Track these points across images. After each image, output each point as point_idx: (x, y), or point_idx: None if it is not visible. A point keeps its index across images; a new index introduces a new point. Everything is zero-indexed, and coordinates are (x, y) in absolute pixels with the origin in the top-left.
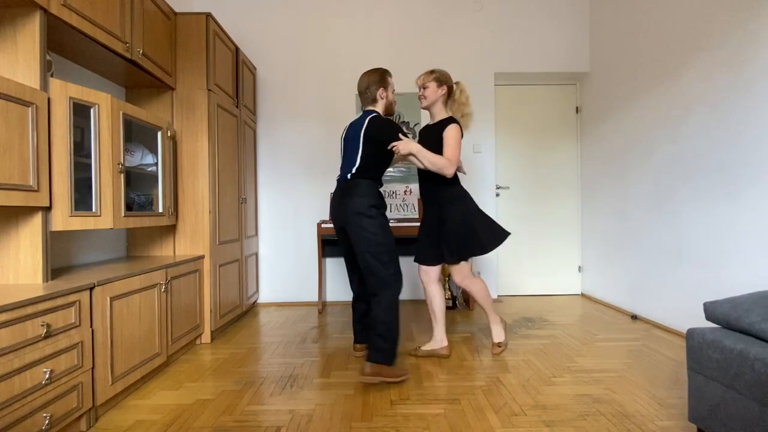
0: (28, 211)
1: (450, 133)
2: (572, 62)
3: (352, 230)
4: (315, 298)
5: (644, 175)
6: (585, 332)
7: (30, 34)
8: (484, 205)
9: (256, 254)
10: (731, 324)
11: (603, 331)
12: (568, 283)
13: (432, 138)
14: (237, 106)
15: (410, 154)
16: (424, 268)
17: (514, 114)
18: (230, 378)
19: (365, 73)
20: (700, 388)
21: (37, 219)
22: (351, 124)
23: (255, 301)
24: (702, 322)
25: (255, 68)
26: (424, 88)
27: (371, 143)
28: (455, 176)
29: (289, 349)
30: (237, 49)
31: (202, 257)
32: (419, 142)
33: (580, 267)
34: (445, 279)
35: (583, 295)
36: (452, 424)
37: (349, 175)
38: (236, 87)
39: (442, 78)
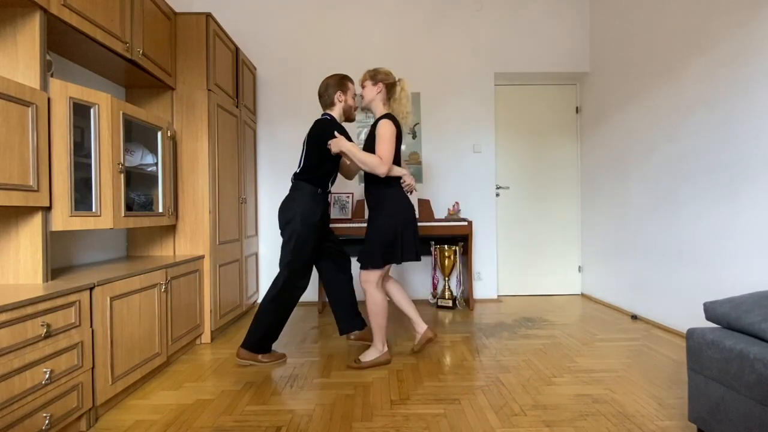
0: (28, 211)
1: (381, 130)
2: (572, 62)
3: (279, 224)
4: (315, 298)
5: (644, 175)
6: (585, 332)
7: (30, 34)
8: (484, 205)
9: (256, 254)
10: (731, 324)
11: (603, 331)
12: (568, 283)
13: (369, 137)
14: (237, 106)
15: (341, 152)
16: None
17: (514, 114)
18: (230, 378)
19: (325, 78)
20: (700, 388)
21: (37, 219)
22: None
23: (255, 301)
24: (702, 322)
25: (255, 68)
26: (363, 88)
27: (310, 144)
28: (392, 177)
29: (289, 349)
30: (237, 49)
31: (202, 257)
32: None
33: (580, 267)
34: (446, 279)
35: (583, 295)
36: (452, 424)
37: (294, 175)
38: (236, 87)
39: (377, 76)
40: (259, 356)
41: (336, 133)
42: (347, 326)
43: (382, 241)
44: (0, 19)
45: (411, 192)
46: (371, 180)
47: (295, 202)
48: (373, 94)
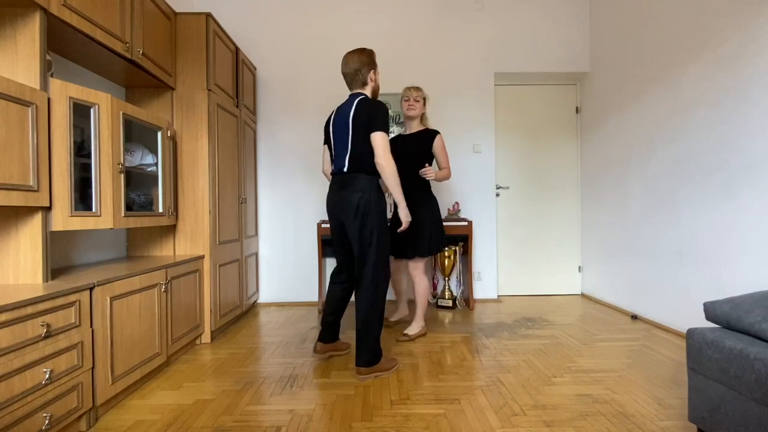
0: (28, 211)
1: (442, 142)
2: (572, 62)
3: (350, 226)
4: (315, 298)
5: (644, 175)
6: (585, 332)
7: (30, 34)
8: (484, 205)
9: (256, 254)
10: (731, 324)
11: (603, 331)
12: (568, 283)
13: (414, 147)
14: (237, 106)
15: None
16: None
17: (514, 114)
18: (230, 378)
19: (354, 54)
20: (700, 388)
21: (37, 219)
22: (338, 110)
23: (255, 301)
24: (702, 322)
25: (255, 68)
26: (416, 101)
27: (361, 129)
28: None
29: (289, 349)
30: (237, 49)
31: (202, 257)
32: (395, 150)
33: (580, 267)
34: (446, 279)
35: (583, 295)
36: (452, 424)
37: (345, 168)
38: (236, 87)
39: (426, 98)
40: (380, 364)
41: (427, 165)
42: (335, 336)
43: (437, 231)
44: (0, 19)
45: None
46: (419, 183)
47: (365, 194)
48: (422, 110)
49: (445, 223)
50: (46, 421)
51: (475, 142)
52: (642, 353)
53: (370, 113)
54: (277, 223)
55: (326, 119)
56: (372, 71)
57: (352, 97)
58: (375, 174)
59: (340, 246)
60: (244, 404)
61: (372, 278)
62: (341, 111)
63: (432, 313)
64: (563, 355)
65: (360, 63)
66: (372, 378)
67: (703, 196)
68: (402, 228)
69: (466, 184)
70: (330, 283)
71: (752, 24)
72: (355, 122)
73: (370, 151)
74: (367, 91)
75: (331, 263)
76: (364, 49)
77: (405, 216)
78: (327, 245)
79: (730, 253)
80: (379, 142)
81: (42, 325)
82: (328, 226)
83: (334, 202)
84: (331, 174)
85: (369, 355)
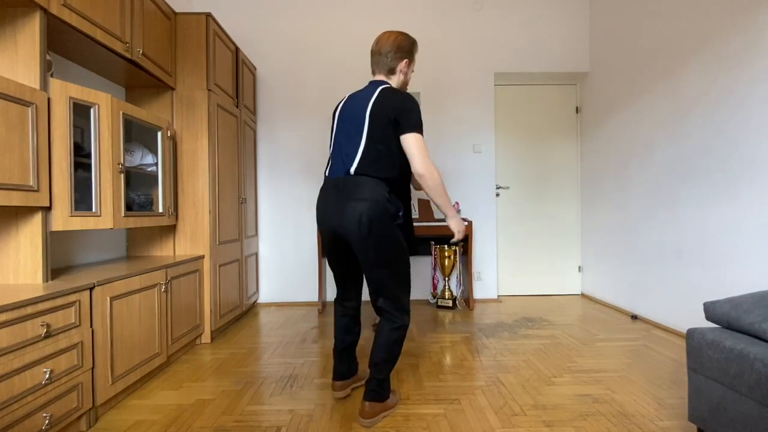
0: (28, 211)
1: None
2: (572, 62)
3: (357, 244)
4: (315, 298)
5: (644, 175)
6: (585, 332)
7: (30, 34)
8: (484, 205)
9: (256, 254)
10: (731, 324)
11: (603, 331)
12: (568, 283)
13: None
14: (237, 106)
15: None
16: None
17: (514, 114)
18: (230, 378)
19: (391, 34)
20: (700, 388)
21: (37, 219)
22: (351, 97)
23: (255, 301)
24: (702, 322)
25: (255, 68)
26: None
27: (382, 125)
28: None
29: (289, 349)
30: (237, 49)
31: (202, 257)
32: None
33: (580, 267)
34: (446, 279)
35: (583, 295)
36: (452, 424)
37: (350, 169)
38: (236, 87)
39: None
40: (388, 401)
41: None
42: (354, 367)
43: None
44: (0, 19)
45: None
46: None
47: (379, 204)
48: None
49: (445, 224)
50: (46, 421)
51: (475, 142)
52: (642, 353)
53: (399, 108)
54: (277, 223)
55: (333, 109)
56: (405, 61)
57: (374, 84)
58: (385, 179)
59: (339, 263)
60: (244, 404)
61: (399, 306)
62: (355, 99)
63: (432, 313)
64: (563, 355)
65: (393, 46)
66: (380, 420)
67: (703, 196)
68: (457, 238)
69: (466, 184)
70: (337, 315)
71: (752, 24)
72: (375, 115)
73: (388, 153)
74: (393, 82)
75: None
76: (409, 36)
77: (456, 225)
78: None
79: (730, 253)
80: (416, 145)
81: (42, 325)
82: None
83: (328, 212)
84: (326, 174)
85: (381, 391)
